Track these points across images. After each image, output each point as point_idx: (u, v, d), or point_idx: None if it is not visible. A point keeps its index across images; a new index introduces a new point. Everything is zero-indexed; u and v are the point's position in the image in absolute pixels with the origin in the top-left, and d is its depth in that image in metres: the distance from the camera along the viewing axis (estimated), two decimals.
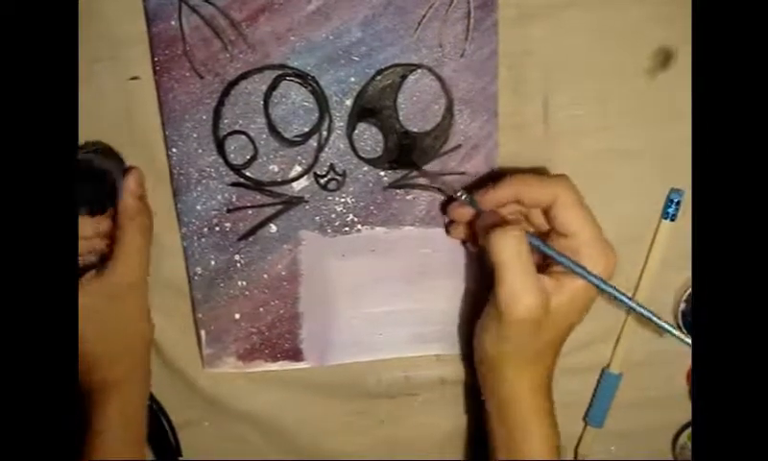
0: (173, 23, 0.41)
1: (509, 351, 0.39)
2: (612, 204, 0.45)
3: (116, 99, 0.43)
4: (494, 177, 0.41)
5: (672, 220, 0.45)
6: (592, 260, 0.38)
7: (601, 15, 0.42)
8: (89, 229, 0.42)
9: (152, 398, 0.47)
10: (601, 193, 0.44)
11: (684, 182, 0.44)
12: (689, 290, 0.46)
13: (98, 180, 0.41)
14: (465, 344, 0.47)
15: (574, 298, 0.38)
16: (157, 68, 0.41)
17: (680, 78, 0.42)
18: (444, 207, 0.44)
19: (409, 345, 0.47)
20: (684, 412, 0.50)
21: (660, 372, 0.48)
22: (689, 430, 0.50)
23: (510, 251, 0.36)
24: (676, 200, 0.44)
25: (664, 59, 0.42)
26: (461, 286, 0.46)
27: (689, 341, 0.38)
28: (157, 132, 0.43)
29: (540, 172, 0.43)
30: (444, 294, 0.46)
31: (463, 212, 0.42)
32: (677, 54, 0.42)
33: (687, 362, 0.48)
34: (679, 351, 0.47)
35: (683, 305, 0.46)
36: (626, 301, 0.38)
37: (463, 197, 0.41)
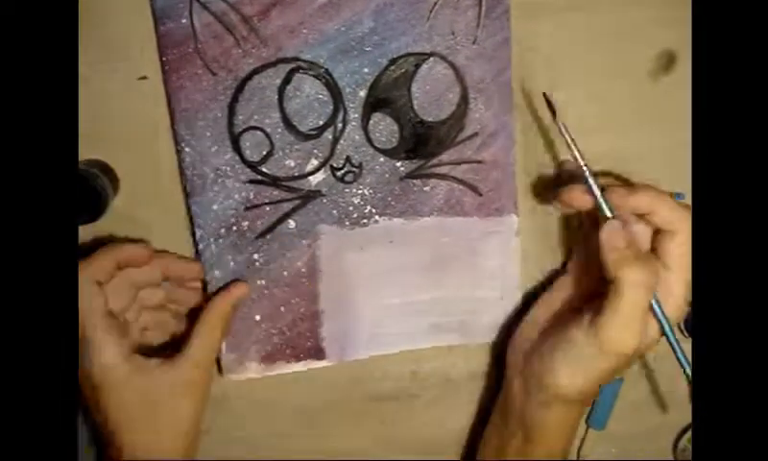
0: (183, 21, 0.40)
1: (589, 388, 0.39)
2: None
3: (125, 99, 0.42)
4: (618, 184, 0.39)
5: None
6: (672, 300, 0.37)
7: (605, 17, 0.42)
8: (159, 296, 0.42)
9: None
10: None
11: (686, 186, 0.44)
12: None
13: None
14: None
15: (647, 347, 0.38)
16: (167, 68, 0.41)
17: (682, 81, 0.43)
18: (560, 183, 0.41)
19: (428, 335, 0.47)
20: (684, 415, 0.50)
21: (661, 375, 0.49)
22: (690, 433, 0.50)
23: (643, 294, 0.35)
24: None
25: (667, 61, 0.43)
26: (480, 275, 0.46)
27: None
28: (167, 132, 0.42)
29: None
30: (464, 283, 0.46)
31: (584, 201, 0.38)
32: (680, 57, 0.43)
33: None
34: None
35: None
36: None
37: (598, 195, 0.37)
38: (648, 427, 0.50)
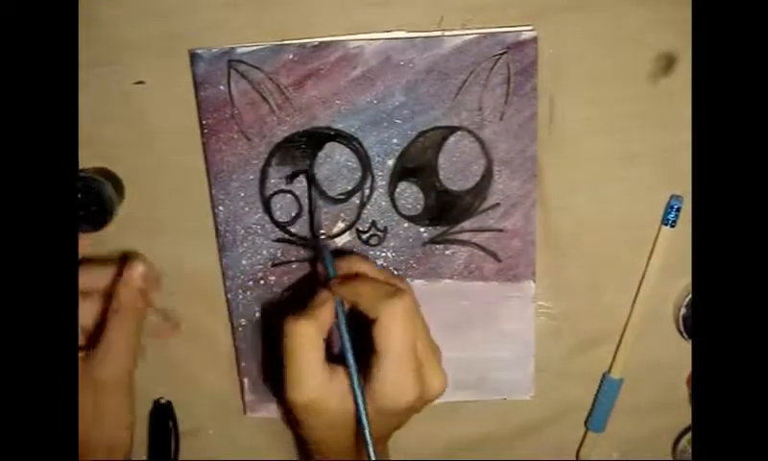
0: (221, 88, 0.42)
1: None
2: (613, 208, 0.45)
3: (120, 103, 0.42)
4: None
5: (672, 226, 0.45)
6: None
7: (604, 19, 0.42)
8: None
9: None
10: (602, 197, 0.45)
11: (686, 188, 0.45)
12: (689, 296, 0.46)
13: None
14: None
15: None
16: (206, 131, 0.43)
17: (681, 83, 0.43)
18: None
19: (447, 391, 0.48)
20: (684, 416, 0.51)
21: (660, 376, 0.49)
22: (690, 435, 0.51)
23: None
24: (676, 206, 0.44)
25: (666, 64, 0.43)
26: (497, 337, 0.47)
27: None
28: (164, 135, 0.43)
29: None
30: (481, 344, 0.47)
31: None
32: (679, 59, 0.42)
33: (688, 367, 0.49)
34: (680, 356, 0.48)
35: (683, 311, 0.46)
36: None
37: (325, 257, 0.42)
38: (647, 429, 0.51)
